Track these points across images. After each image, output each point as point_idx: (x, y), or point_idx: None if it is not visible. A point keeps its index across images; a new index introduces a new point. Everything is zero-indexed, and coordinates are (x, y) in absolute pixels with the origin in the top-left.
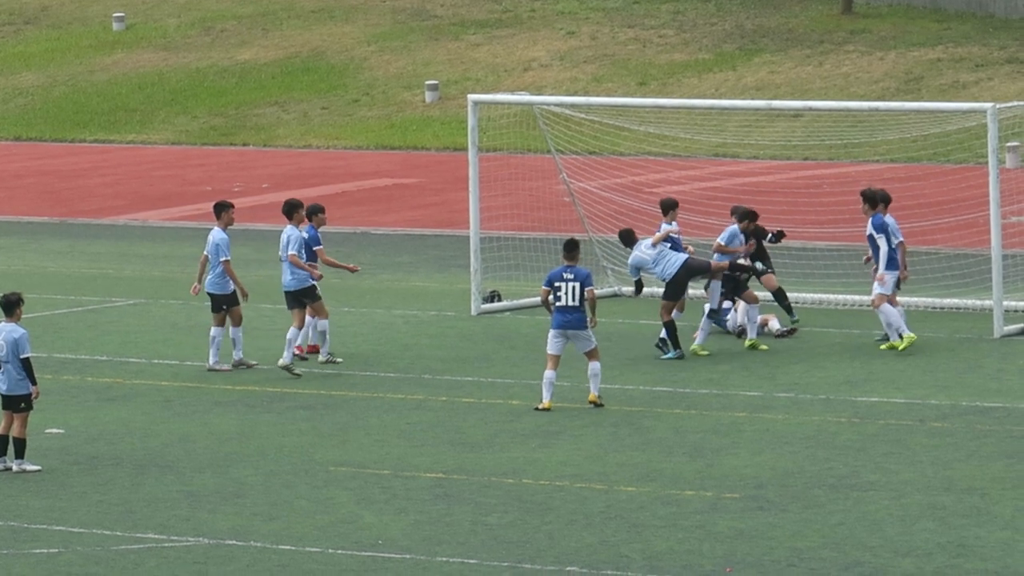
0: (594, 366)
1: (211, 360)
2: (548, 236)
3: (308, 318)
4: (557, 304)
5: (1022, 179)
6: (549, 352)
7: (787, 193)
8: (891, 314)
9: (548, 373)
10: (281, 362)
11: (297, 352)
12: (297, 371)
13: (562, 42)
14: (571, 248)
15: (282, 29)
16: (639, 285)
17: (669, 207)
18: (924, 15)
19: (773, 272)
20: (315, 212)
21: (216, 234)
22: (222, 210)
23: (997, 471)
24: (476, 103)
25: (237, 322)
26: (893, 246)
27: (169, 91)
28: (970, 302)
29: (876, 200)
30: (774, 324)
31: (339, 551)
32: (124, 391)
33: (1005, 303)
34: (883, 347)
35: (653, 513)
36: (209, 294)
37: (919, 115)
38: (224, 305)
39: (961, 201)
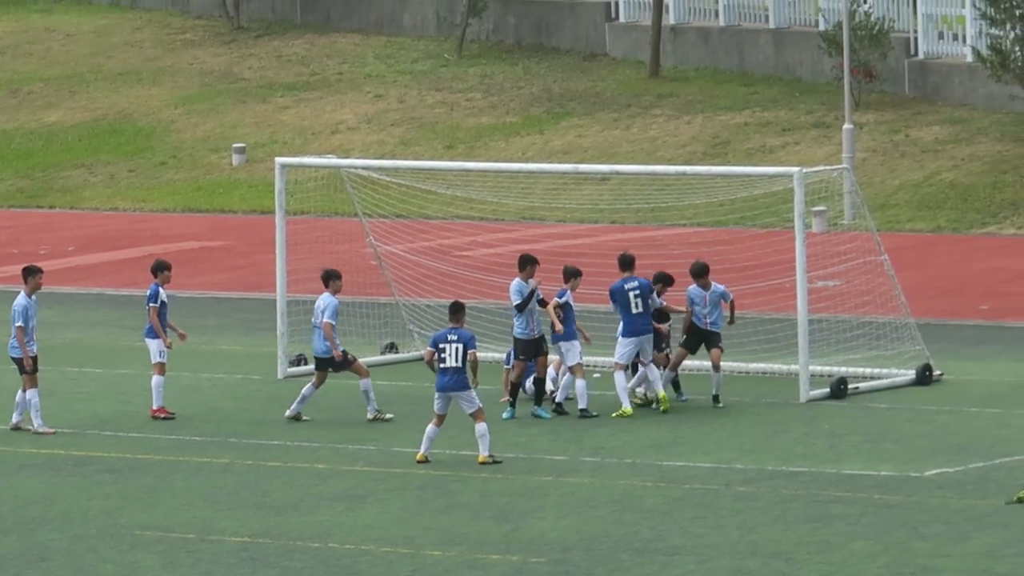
0: (480, 427)
1: (35, 424)
2: (355, 300)
3: (158, 377)
4: (441, 365)
5: (829, 244)
6: (435, 411)
7: (595, 256)
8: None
9: (429, 427)
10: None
11: (154, 413)
12: (305, 417)
13: (370, 105)
14: (456, 310)
15: (89, 91)
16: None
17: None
18: (731, 79)
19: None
20: (160, 269)
21: (20, 300)
22: (29, 275)
23: (802, 535)
24: (283, 166)
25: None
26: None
27: None
28: (776, 367)
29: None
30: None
31: None
32: None
33: (811, 367)
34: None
35: None
36: (12, 359)
37: (726, 179)
38: (28, 369)
39: (768, 265)
